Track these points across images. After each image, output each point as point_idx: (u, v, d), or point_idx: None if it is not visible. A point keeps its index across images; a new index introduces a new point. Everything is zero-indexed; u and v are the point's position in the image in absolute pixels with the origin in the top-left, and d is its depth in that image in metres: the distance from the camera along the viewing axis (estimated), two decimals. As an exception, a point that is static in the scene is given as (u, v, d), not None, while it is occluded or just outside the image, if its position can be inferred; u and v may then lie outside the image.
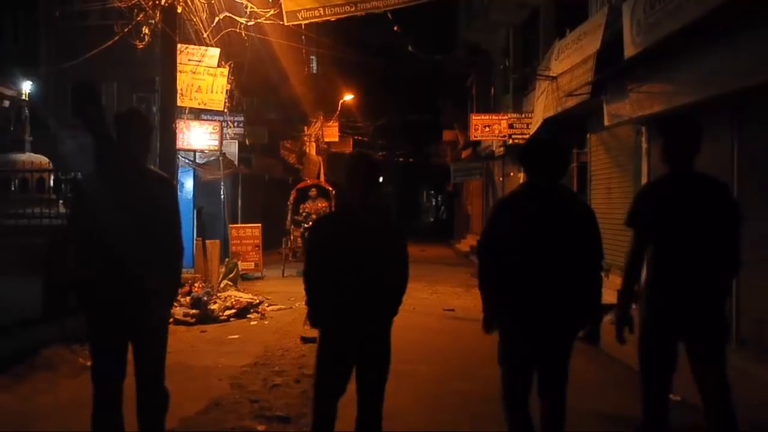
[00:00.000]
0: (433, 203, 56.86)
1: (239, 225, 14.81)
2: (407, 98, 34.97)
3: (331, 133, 25.86)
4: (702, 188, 3.37)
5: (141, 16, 8.89)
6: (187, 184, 14.11)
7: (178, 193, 3.89)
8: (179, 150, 11.08)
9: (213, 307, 8.80)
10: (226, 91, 10.82)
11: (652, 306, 3.41)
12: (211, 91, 10.61)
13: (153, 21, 8.85)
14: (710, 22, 5.48)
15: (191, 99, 10.58)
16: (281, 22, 9.53)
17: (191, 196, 14.03)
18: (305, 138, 24.79)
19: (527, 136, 12.39)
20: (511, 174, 16.34)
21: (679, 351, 3.38)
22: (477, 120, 14.53)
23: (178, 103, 9.94)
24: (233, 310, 8.98)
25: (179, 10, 9.06)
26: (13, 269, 6.61)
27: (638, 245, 3.44)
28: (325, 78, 27.71)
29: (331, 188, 15.83)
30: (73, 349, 6.12)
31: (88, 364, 3.50)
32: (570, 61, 9.57)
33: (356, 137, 28.06)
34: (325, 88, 26.33)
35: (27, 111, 10.63)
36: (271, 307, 9.73)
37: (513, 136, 13.71)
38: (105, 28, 10.40)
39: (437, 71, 26.89)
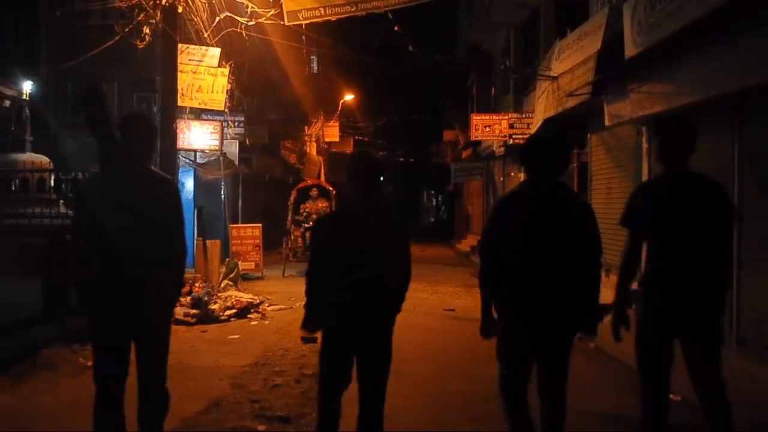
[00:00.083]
0: (434, 203, 56.82)
1: (240, 225, 14.80)
2: (408, 98, 34.99)
3: (332, 133, 25.88)
4: (697, 188, 3.38)
5: (142, 15, 8.90)
6: (188, 184, 14.13)
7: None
8: (180, 150, 11.09)
9: (213, 307, 8.79)
10: (227, 90, 10.81)
11: (648, 304, 3.43)
12: (212, 91, 10.60)
13: (154, 21, 8.86)
14: (711, 22, 5.49)
15: (192, 99, 10.56)
16: (282, 22, 9.52)
17: (192, 196, 14.06)
18: (306, 138, 24.80)
19: (528, 136, 12.39)
20: (512, 174, 16.33)
21: (674, 349, 3.39)
22: (477, 120, 14.53)
23: (179, 103, 9.94)
24: (234, 310, 8.98)
25: (180, 9, 9.06)
26: (14, 269, 6.62)
27: (633, 245, 3.47)
28: (325, 78, 27.73)
29: (331, 188, 15.82)
30: (73, 349, 6.12)
31: (89, 364, 3.51)
32: (571, 61, 9.57)
33: (357, 137, 28.07)
34: (325, 88, 26.36)
35: (28, 111, 10.66)
36: (271, 307, 9.73)
37: (513, 136, 13.71)
38: (105, 28, 10.42)
39: (437, 71, 26.87)
